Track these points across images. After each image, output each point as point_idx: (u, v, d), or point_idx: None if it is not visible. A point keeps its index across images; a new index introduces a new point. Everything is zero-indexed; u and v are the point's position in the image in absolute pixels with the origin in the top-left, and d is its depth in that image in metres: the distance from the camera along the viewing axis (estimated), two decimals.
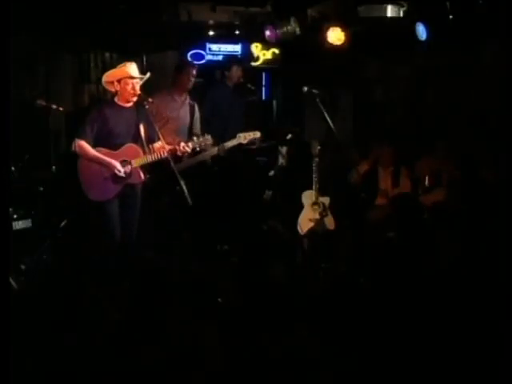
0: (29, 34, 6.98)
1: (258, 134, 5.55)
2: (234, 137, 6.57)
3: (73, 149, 4.83)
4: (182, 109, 6.07)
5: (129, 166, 4.82)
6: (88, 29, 7.14)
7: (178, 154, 4.96)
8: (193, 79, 6.09)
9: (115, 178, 4.82)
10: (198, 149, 5.02)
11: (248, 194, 6.81)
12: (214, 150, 5.82)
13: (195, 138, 5.05)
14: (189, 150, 4.97)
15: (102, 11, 6.74)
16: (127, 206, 4.95)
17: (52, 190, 5.98)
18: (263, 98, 8.95)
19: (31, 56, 7.31)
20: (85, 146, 4.79)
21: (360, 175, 6.57)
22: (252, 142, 6.87)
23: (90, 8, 6.55)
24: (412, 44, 6.35)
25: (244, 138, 5.60)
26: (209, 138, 5.04)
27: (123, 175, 4.80)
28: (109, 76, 4.90)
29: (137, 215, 5.03)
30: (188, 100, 6.13)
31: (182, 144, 4.96)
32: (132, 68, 4.88)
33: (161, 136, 4.91)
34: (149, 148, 4.91)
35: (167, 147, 4.88)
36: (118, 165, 4.78)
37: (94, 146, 4.82)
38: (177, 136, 5.70)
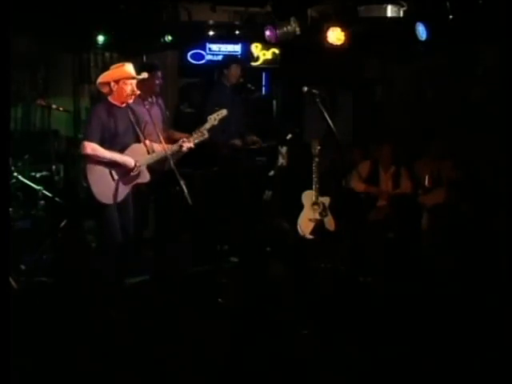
0: (29, 34, 6.99)
1: (224, 112, 5.46)
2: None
3: (82, 152, 4.77)
4: (153, 110, 5.99)
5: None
6: (88, 29, 7.16)
7: (184, 149, 4.95)
8: (161, 82, 5.99)
9: (124, 179, 4.82)
10: (197, 140, 5.01)
11: (248, 194, 6.80)
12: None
13: (193, 133, 5.05)
14: (191, 144, 4.96)
15: (102, 11, 6.75)
16: (122, 207, 4.94)
17: (52, 190, 5.97)
18: (263, 98, 8.94)
19: (31, 56, 7.32)
20: (96, 147, 4.72)
21: (363, 179, 6.57)
22: (252, 142, 6.91)
23: (90, 8, 6.55)
24: (412, 44, 6.35)
25: (214, 119, 5.49)
26: (205, 132, 5.02)
27: (137, 172, 4.80)
28: (106, 77, 4.86)
29: (131, 215, 5.01)
30: (154, 99, 6.00)
31: (184, 140, 4.95)
32: (130, 68, 4.87)
33: (161, 135, 4.91)
34: (150, 147, 4.92)
35: (167, 145, 4.88)
36: (133, 162, 4.79)
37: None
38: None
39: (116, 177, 4.79)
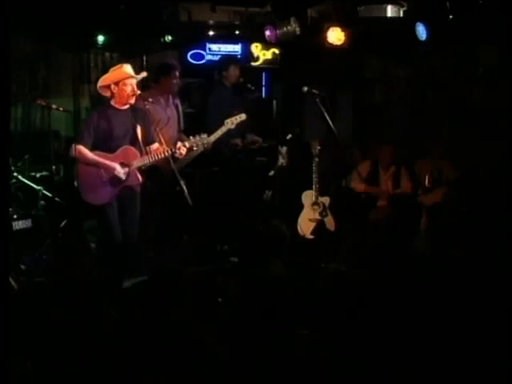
0: (29, 34, 6.99)
1: (243, 117, 5.43)
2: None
3: (71, 154, 4.83)
4: (169, 109, 6.04)
5: (127, 169, 4.83)
6: (88, 29, 7.16)
7: (177, 155, 4.95)
8: (178, 81, 6.04)
9: (113, 180, 4.83)
10: (194, 148, 5.01)
11: (248, 194, 6.80)
12: (200, 148, 5.71)
13: (192, 138, 5.04)
14: (184, 151, 4.95)
15: (102, 11, 6.75)
16: (127, 208, 4.96)
17: (52, 190, 5.97)
18: (263, 97, 8.94)
19: (31, 56, 7.32)
20: (83, 150, 4.80)
21: (363, 179, 6.56)
22: (253, 141, 6.91)
23: (90, 8, 6.55)
24: (412, 44, 6.35)
25: (231, 122, 5.46)
26: (205, 137, 5.02)
27: (123, 177, 4.81)
28: (105, 79, 4.88)
29: (137, 216, 5.04)
30: (171, 99, 6.08)
31: (179, 144, 4.95)
32: (129, 68, 4.88)
33: (161, 137, 4.92)
34: (146, 150, 4.91)
35: (165, 148, 4.89)
36: (117, 167, 4.80)
37: (92, 150, 4.83)
38: (173, 137, 5.72)
39: (104, 179, 4.81)
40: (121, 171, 4.79)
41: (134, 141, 4.89)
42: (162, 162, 5.00)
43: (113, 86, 4.83)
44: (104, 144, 4.83)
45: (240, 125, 6.33)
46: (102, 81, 4.89)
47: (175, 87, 6.01)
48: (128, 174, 4.85)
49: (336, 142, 5.92)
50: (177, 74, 5.96)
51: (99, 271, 5.20)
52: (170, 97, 6.02)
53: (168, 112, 5.94)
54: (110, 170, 4.79)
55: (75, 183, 4.91)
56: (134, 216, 5.03)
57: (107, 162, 4.80)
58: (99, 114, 4.87)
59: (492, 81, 6.74)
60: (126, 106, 4.89)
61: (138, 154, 4.88)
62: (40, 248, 5.57)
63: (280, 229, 6.47)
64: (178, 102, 6.12)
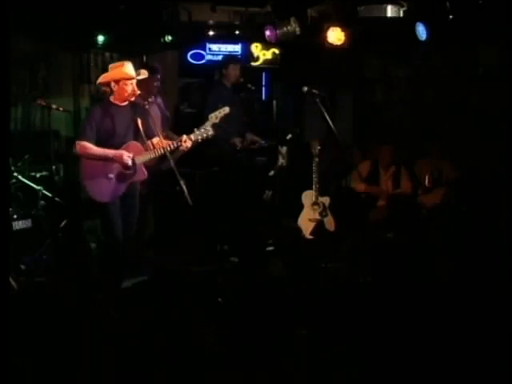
0: (29, 33, 6.99)
1: (227, 110, 5.44)
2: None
3: (74, 150, 4.80)
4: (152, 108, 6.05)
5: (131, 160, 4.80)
6: (88, 29, 7.16)
7: (182, 148, 4.93)
8: (158, 84, 6.09)
9: (120, 176, 4.80)
10: (199, 140, 4.99)
11: (248, 194, 6.80)
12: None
13: (196, 130, 5.01)
14: (190, 143, 4.93)
15: (102, 11, 6.75)
16: (127, 206, 4.95)
17: (52, 190, 5.97)
18: (263, 97, 8.94)
19: (31, 56, 7.32)
20: (87, 145, 4.74)
21: (363, 179, 6.56)
22: (253, 141, 6.91)
23: (90, 8, 6.55)
24: (412, 44, 6.35)
25: (215, 117, 5.47)
26: (209, 128, 5.00)
27: (130, 163, 4.76)
28: (106, 77, 4.86)
29: (136, 215, 5.03)
30: (153, 99, 6.07)
31: (184, 137, 4.92)
32: (130, 68, 4.86)
33: (159, 132, 4.92)
34: (149, 144, 4.90)
35: (166, 142, 4.87)
36: (124, 153, 4.75)
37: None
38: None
39: (111, 175, 4.79)
40: (128, 157, 4.74)
41: (136, 136, 4.87)
42: (151, 161, 4.98)
43: (113, 84, 4.81)
44: (107, 141, 4.79)
45: (238, 124, 6.37)
46: (103, 78, 4.87)
47: (155, 89, 6.03)
48: (135, 170, 4.82)
49: (336, 142, 5.92)
50: (158, 76, 6.02)
51: (99, 271, 5.21)
52: (153, 97, 6.03)
53: (152, 111, 5.94)
54: (117, 158, 4.73)
55: (81, 182, 4.87)
56: (133, 214, 5.01)
57: (114, 151, 4.73)
58: (100, 110, 4.84)
59: (492, 81, 6.74)
60: (126, 102, 4.88)
61: (143, 149, 4.86)
62: (40, 248, 5.57)
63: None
64: (160, 101, 6.15)
